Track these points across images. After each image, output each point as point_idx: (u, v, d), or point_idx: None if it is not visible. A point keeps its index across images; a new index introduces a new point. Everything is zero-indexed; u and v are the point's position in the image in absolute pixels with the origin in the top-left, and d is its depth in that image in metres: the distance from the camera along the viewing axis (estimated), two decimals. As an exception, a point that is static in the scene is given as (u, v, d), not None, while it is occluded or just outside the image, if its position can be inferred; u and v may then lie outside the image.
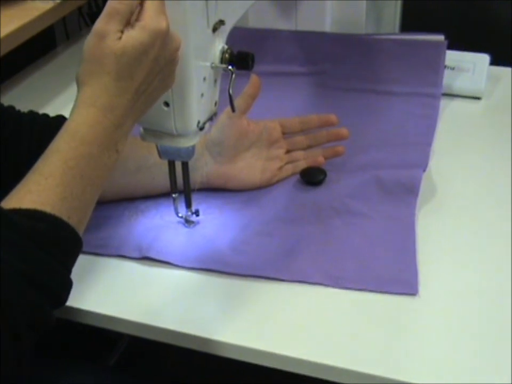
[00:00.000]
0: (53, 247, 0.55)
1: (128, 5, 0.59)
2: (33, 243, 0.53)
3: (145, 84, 0.61)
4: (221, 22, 0.68)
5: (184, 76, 0.65)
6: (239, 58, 0.69)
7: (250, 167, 0.85)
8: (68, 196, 0.57)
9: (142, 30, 0.59)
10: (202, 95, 0.68)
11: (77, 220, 0.57)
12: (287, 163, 0.88)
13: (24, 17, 1.03)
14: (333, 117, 0.88)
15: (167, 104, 0.67)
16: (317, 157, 0.87)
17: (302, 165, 0.87)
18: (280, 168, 0.87)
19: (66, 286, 0.58)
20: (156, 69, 0.61)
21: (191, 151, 0.73)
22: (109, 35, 0.58)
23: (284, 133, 0.89)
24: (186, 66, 0.64)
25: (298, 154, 0.89)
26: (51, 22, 1.10)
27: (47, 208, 0.55)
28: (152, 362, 0.93)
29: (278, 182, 0.87)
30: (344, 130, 0.87)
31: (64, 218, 0.56)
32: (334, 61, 1.08)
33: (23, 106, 0.80)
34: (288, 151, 0.89)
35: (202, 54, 0.66)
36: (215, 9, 0.66)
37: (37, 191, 0.56)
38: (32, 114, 0.80)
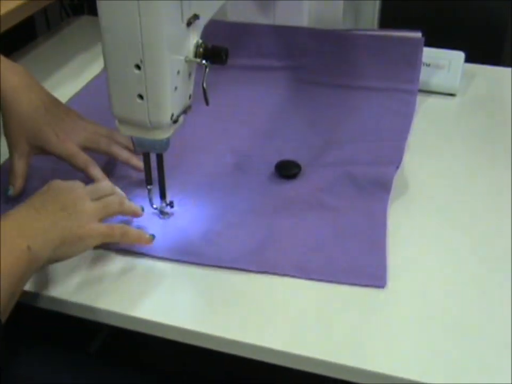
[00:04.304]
0: None
1: None
2: None
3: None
4: (196, 17, 0.69)
5: (158, 68, 0.66)
6: (213, 53, 0.70)
7: None
8: None
9: None
10: (176, 88, 0.69)
11: None
12: None
13: (3, 7, 1.02)
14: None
15: (141, 96, 0.67)
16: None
17: None
18: None
19: None
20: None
21: (165, 143, 0.74)
22: None
23: None
24: (160, 59, 0.65)
25: None
26: (31, 12, 1.09)
27: None
28: (133, 351, 0.93)
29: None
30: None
31: None
32: (311, 56, 1.08)
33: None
34: None
35: (176, 48, 0.67)
36: (189, 3, 0.67)
37: None
38: None
